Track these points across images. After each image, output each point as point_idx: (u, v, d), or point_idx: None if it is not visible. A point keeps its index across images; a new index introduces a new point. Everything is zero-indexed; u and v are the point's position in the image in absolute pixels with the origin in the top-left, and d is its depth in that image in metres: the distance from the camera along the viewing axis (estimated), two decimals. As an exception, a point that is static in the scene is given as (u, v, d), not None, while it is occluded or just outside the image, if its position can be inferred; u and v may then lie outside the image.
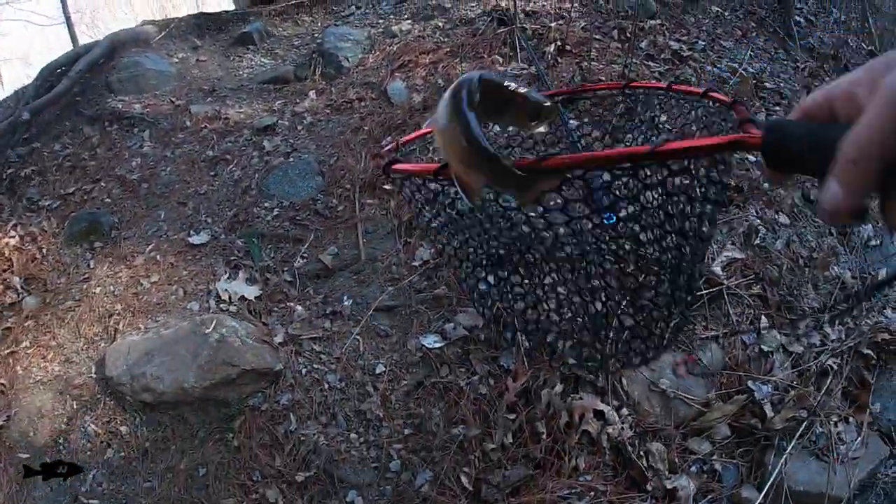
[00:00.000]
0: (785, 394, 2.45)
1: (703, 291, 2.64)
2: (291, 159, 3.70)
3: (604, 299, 1.38)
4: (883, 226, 3.16)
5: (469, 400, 2.47)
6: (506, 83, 0.85)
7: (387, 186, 3.31)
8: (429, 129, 1.33)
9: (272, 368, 2.68)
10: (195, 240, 3.33)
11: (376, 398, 2.60)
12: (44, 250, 3.53)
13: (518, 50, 3.87)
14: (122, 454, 2.66)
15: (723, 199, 1.11)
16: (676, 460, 2.33)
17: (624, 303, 1.39)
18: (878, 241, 3.09)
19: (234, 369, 2.63)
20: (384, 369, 2.68)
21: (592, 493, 2.23)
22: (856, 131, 0.48)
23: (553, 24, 4.05)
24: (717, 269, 2.72)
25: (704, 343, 2.56)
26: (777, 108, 3.72)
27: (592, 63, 3.66)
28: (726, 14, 4.75)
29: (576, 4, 4.37)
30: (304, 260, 3.15)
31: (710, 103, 1.22)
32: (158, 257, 3.29)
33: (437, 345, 2.66)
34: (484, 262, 1.48)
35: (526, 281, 1.48)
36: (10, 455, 2.71)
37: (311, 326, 2.86)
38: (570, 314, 1.46)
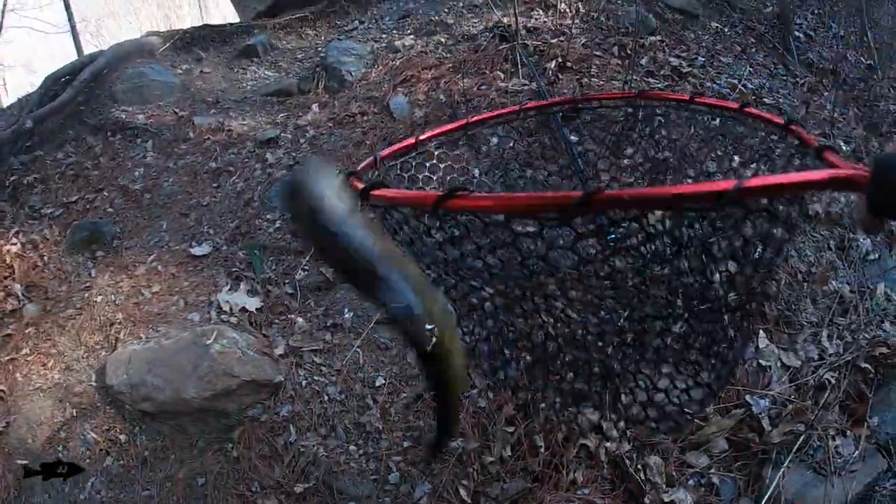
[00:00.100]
0: (783, 408, 2.46)
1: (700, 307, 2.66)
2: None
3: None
4: (881, 240, 3.19)
5: (468, 413, 2.48)
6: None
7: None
8: (411, 141, 1.23)
9: (272, 380, 2.69)
10: (197, 251, 3.35)
11: (376, 410, 2.61)
12: (45, 258, 3.55)
13: (519, 66, 3.91)
14: (121, 462, 2.66)
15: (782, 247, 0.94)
16: (674, 474, 2.33)
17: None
18: (877, 255, 3.11)
19: (235, 380, 2.64)
20: (384, 382, 2.69)
21: (590, 507, 2.24)
22: None
23: (554, 41, 4.10)
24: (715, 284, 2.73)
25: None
26: (775, 124, 3.75)
27: (593, 79, 3.69)
28: (726, 30, 4.80)
29: (577, 21, 4.42)
30: (306, 272, 3.16)
31: (749, 120, 1.06)
32: (160, 268, 3.31)
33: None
34: (502, 339, 1.26)
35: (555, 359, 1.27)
36: (9, 461, 2.71)
37: (311, 338, 2.88)
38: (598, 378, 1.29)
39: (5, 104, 5.98)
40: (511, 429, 2.42)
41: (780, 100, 3.99)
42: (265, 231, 3.40)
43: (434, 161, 1.30)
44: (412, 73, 4.23)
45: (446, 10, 5.12)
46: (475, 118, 1.31)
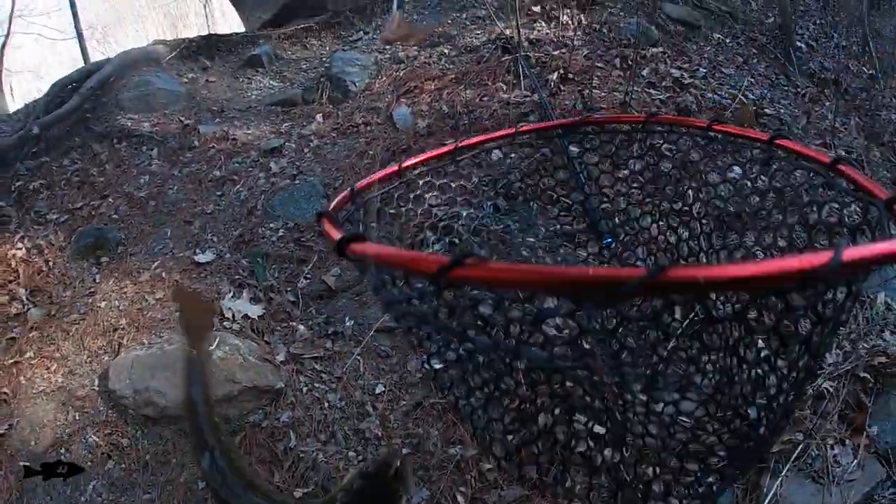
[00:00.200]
0: (781, 417, 2.47)
1: (697, 318, 2.67)
2: (297, 181, 3.76)
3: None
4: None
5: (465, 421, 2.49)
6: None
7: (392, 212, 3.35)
8: (394, 169, 1.05)
9: (273, 386, 2.71)
10: (201, 258, 3.38)
11: (375, 417, 2.62)
12: (50, 263, 3.57)
13: (521, 77, 3.94)
14: (123, 466, 2.68)
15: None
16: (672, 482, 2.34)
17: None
18: (877, 264, 3.11)
19: (236, 386, 2.65)
20: (384, 389, 2.70)
21: (588, 515, 2.24)
22: None
23: (556, 53, 4.13)
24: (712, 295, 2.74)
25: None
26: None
27: (594, 91, 3.72)
28: (728, 41, 4.84)
29: (579, 33, 4.46)
30: (308, 280, 3.19)
31: (779, 152, 0.88)
32: (164, 274, 3.33)
33: (438, 366, 2.69)
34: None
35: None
36: (11, 463, 2.73)
37: (312, 346, 2.90)
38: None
39: (12, 110, 6.03)
40: (509, 436, 2.42)
41: (781, 110, 4.02)
42: (268, 239, 3.43)
43: (420, 192, 1.15)
44: (415, 84, 4.27)
45: (450, 21, 5.17)
46: (464, 142, 1.15)
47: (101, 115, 4.76)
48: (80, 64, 7.73)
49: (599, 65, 4.09)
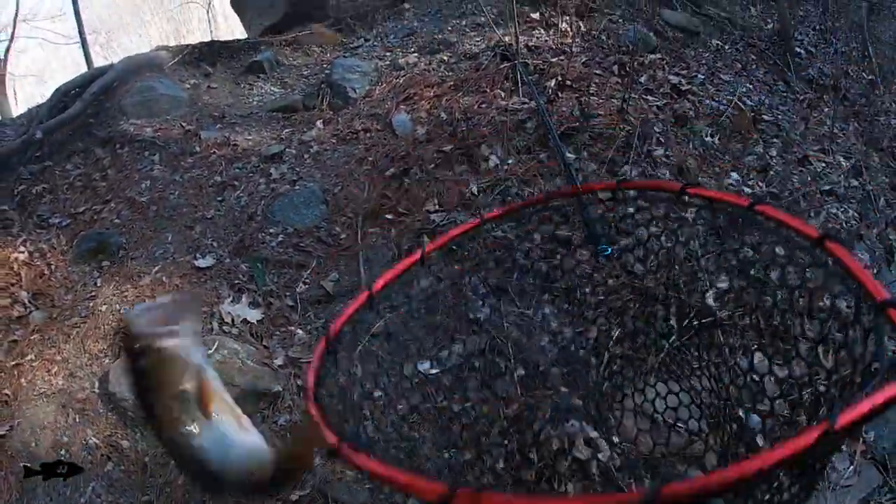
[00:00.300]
0: (777, 422, 2.47)
1: (696, 322, 2.68)
2: (297, 187, 3.79)
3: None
4: (879, 254, 3.20)
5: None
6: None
7: (389, 216, 3.38)
8: (364, 296, 1.00)
9: (271, 389, 2.73)
10: (201, 263, 3.41)
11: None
12: (52, 267, 3.60)
13: (520, 84, 3.97)
14: (122, 468, 2.70)
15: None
16: (667, 488, 2.34)
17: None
18: (876, 270, 3.12)
19: (234, 390, 2.67)
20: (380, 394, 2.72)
21: (582, 519, 2.25)
22: None
23: (554, 60, 4.16)
24: (710, 301, 2.75)
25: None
26: (775, 139, 3.78)
27: (592, 98, 3.74)
28: (726, 47, 4.86)
29: (577, 40, 4.48)
30: (306, 285, 3.21)
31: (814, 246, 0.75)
32: (164, 279, 3.36)
33: (433, 371, 2.71)
34: None
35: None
36: (12, 464, 2.75)
37: (310, 350, 2.91)
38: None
39: (16, 114, 6.08)
40: (504, 441, 2.44)
41: (779, 116, 4.03)
42: (267, 245, 3.45)
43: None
44: (415, 91, 4.30)
45: (450, 28, 5.20)
46: (430, 246, 1.07)
47: (103, 120, 4.80)
48: (84, 69, 7.81)
49: (597, 72, 4.11)
